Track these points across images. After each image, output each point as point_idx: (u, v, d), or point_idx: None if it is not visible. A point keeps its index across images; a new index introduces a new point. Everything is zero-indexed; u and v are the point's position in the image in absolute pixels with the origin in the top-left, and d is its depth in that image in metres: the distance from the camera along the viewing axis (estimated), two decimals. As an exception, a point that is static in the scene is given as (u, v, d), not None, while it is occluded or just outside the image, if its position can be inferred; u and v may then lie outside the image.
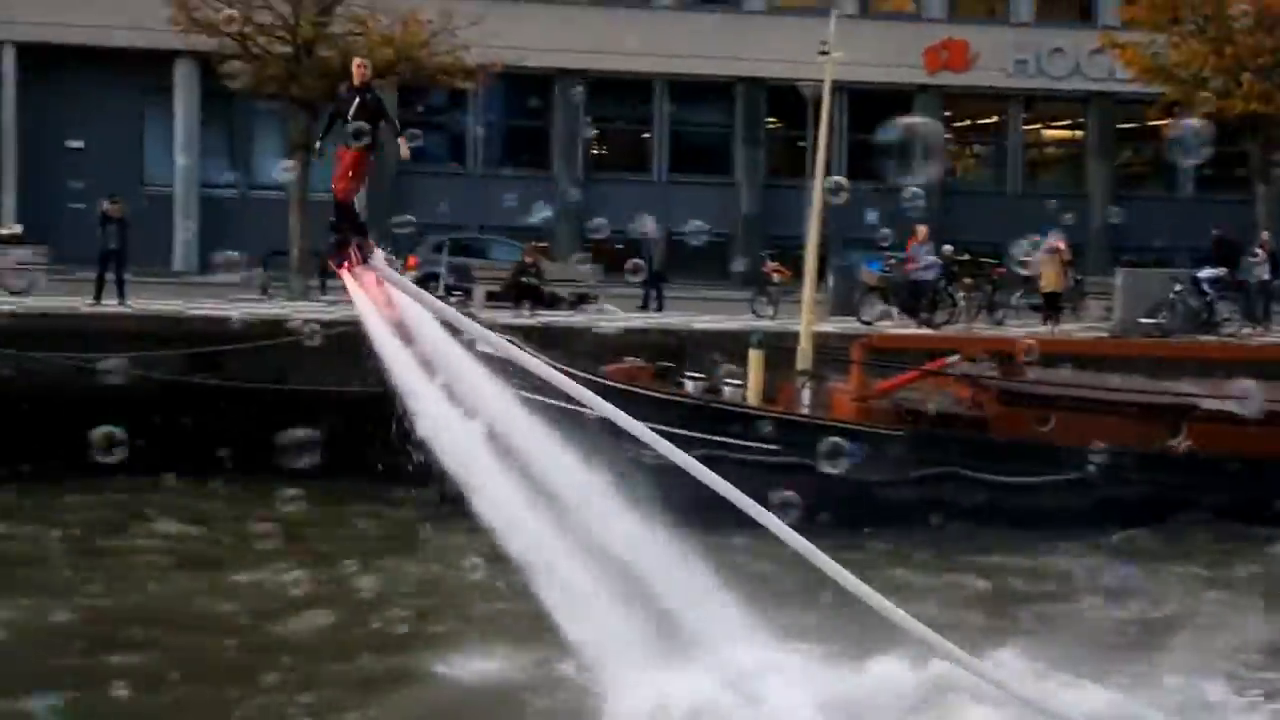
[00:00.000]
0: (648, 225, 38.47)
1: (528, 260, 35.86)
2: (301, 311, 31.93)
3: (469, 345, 15.01)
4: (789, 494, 15.65)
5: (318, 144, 16.76)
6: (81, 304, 30.95)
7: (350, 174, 15.45)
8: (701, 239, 37.11)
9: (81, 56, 45.43)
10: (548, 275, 36.35)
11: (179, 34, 37.72)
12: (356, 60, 16.53)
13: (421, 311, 14.96)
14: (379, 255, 15.10)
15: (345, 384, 27.82)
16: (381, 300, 15.00)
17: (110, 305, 31.08)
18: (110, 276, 31.89)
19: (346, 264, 15.07)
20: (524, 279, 35.02)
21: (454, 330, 14.85)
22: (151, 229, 42.33)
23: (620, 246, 44.28)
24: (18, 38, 45.50)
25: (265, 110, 44.35)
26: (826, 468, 18.33)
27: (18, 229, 40.99)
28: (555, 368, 15.02)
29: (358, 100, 15.76)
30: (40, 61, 45.86)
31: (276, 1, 36.61)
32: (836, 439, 18.84)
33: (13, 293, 33.42)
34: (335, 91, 15.86)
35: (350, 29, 37.13)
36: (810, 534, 13.29)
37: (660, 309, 36.55)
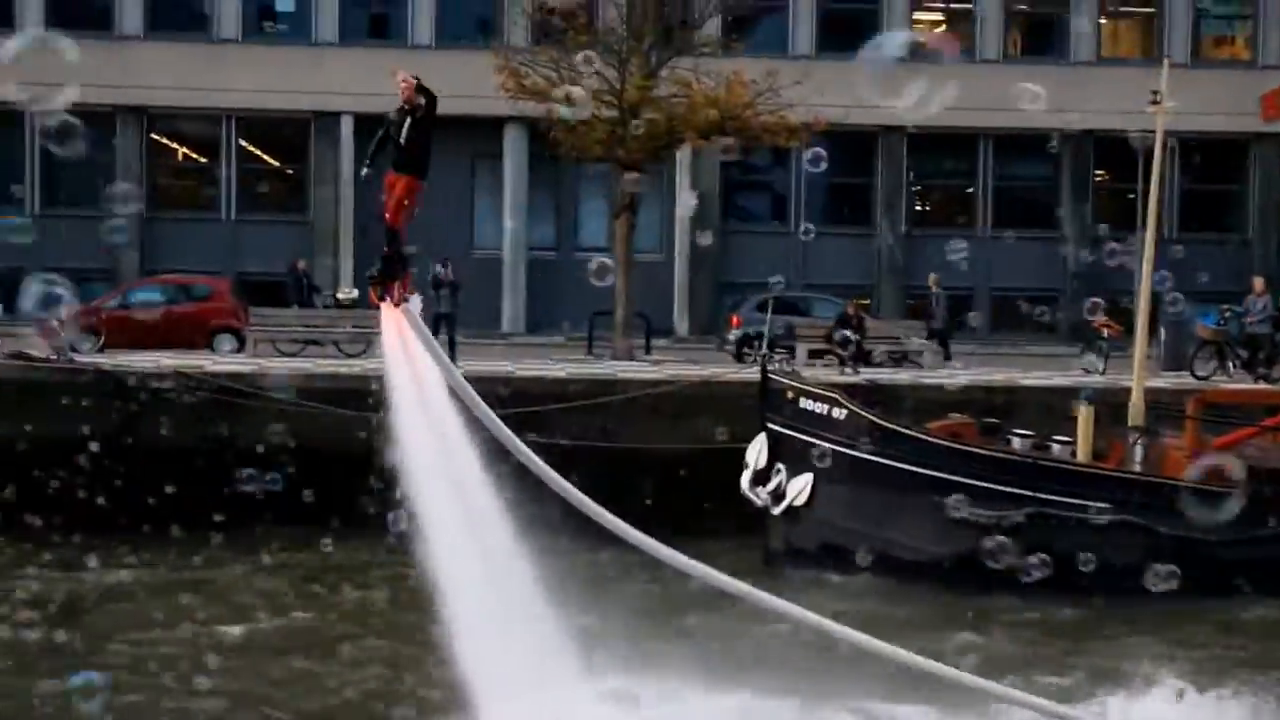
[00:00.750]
0: (931, 280, 38.33)
1: (850, 311, 35.73)
2: (626, 371, 32.36)
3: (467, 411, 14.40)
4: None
5: (365, 170, 15.46)
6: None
7: (404, 202, 14.60)
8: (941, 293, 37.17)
9: (414, 124, 46.74)
10: (870, 332, 36.14)
11: (508, 100, 38.57)
12: (400, 76, 14.98)
13: (429, 367, 14.49)
14: (416, 300, 14.62)
15: (669, 441, 28.24)
16: (405, 344, 14.51)
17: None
18: (442, 338, 32.63)
19: (390, 298, 14.54)
20: (846, 330, 34.91)
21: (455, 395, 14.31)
22: (480, 292, 43.27)
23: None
24: (355, 109, 46.97)
25: (590, 173, 45.09)
26: None
27: (354, 294, 42.29)
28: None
29: (409, 120, 14.66)
30: (375, 130, 47.22)
31: (603, 67, 37.18)
32: None
33: (350, 356, 34.46)
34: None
35: (675, 91, 37.50)
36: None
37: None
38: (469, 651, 14.41)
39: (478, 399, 14.11)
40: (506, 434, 14.12)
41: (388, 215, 14.70)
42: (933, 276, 38.66)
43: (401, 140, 14.64)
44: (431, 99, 14.69)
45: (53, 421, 27.34)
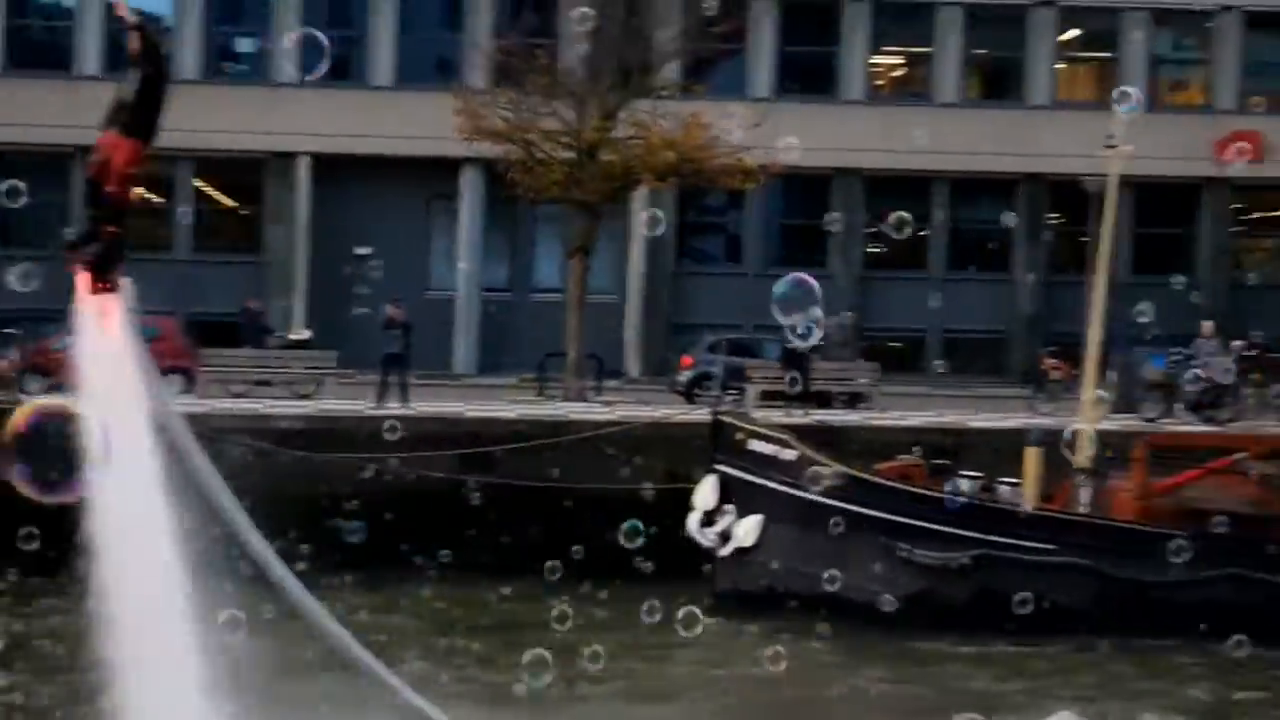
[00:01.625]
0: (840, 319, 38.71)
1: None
2: (576, 413, 32.33)
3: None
4: None
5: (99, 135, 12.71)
6: (365, 406, 31.64)
7: (128, 171, 12.38)
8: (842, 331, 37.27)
9: (371, 165, 46.75)
10: (821, 374, 36.03)
11: (465, 142, 38.58)
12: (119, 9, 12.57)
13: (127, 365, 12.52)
14: (127, 285, 12.52)
15: (620, 482, 28.18)
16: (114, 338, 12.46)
17: (393, 408, 31.71)
18: (394, 379, 32.56)
19: (104, 284, 12.25)
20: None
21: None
22: (433, 332, 43.20)
23: (897, 344, 44.01)
24: (311, 149, 47.00)
25: (546, 214, 45.07)
26: None
27: (306, 334, 42.24)
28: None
29: (140, 74, 12.33)
30: (331, 171, 47.30)
31: (561, 108, 37.23)
32: None
33: (301, 396, 34.35)
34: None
35: (632, 133, 37.55)
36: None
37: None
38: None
39: (175, 410, 12.91)
40: (197, 455, 12.64)
41: (111, 185, 12.32)
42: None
43: (129, 97, 12.35)
44: (152, 49, 12.58)
45: None
